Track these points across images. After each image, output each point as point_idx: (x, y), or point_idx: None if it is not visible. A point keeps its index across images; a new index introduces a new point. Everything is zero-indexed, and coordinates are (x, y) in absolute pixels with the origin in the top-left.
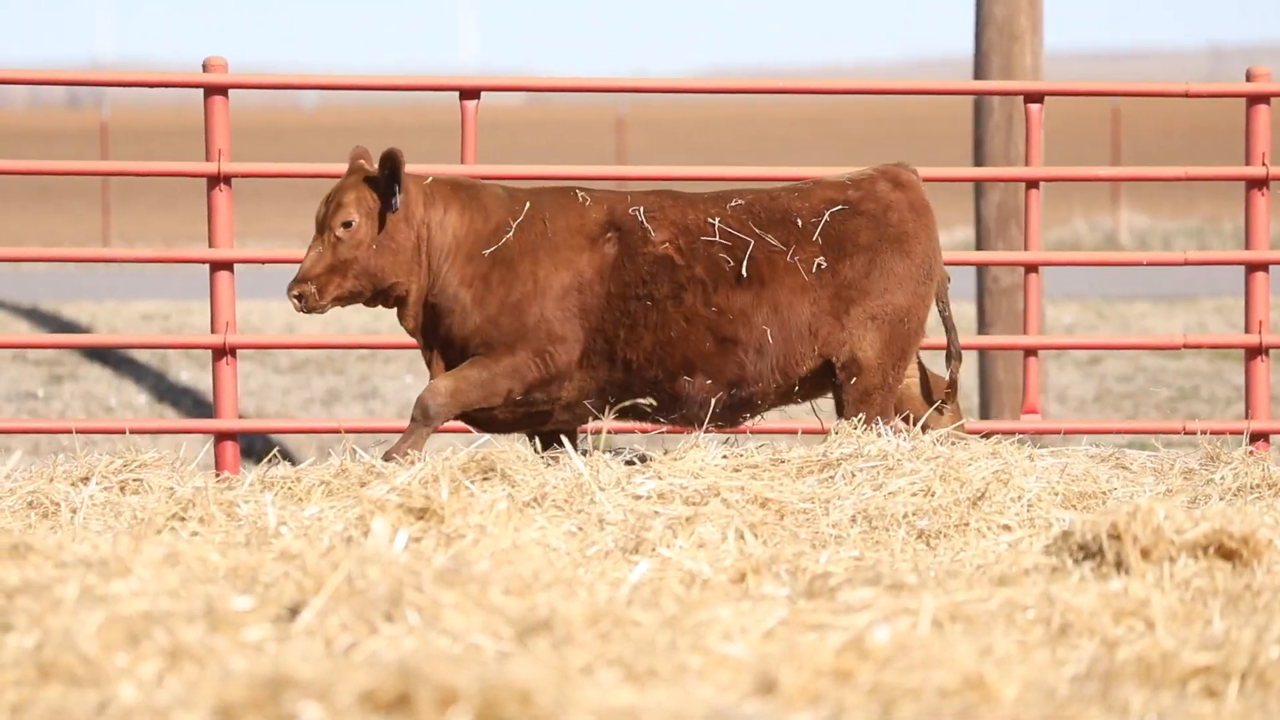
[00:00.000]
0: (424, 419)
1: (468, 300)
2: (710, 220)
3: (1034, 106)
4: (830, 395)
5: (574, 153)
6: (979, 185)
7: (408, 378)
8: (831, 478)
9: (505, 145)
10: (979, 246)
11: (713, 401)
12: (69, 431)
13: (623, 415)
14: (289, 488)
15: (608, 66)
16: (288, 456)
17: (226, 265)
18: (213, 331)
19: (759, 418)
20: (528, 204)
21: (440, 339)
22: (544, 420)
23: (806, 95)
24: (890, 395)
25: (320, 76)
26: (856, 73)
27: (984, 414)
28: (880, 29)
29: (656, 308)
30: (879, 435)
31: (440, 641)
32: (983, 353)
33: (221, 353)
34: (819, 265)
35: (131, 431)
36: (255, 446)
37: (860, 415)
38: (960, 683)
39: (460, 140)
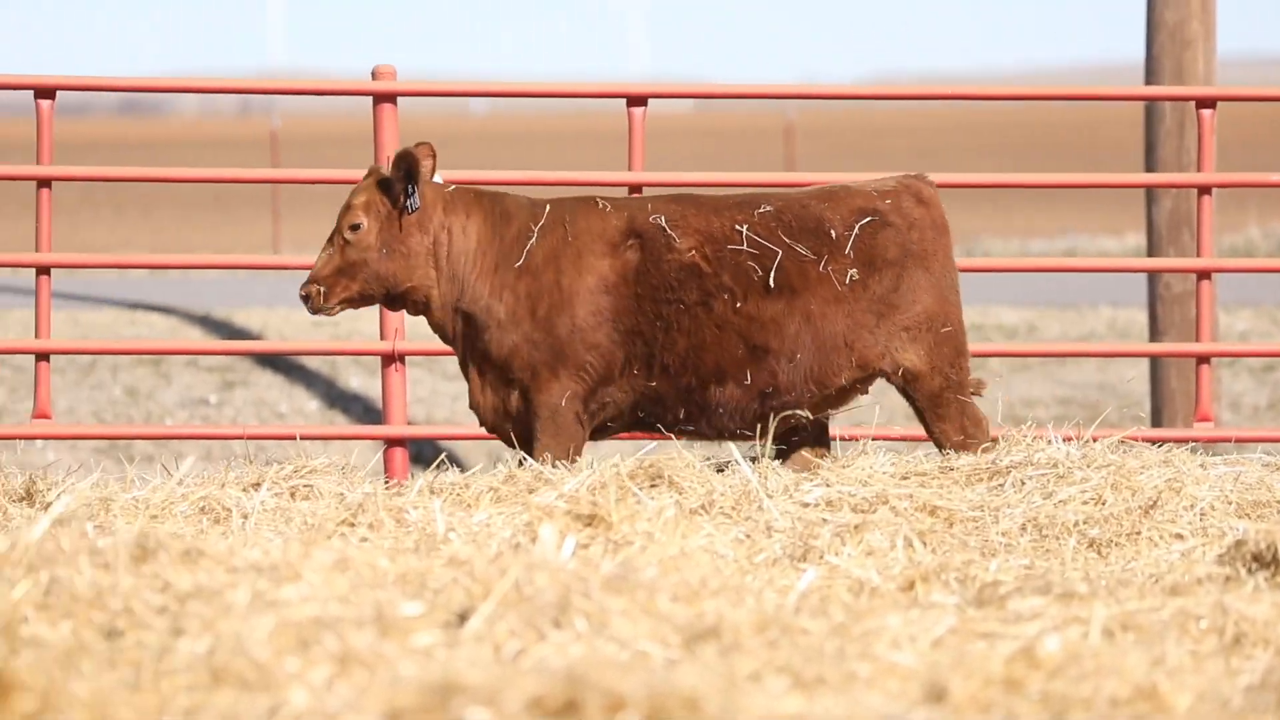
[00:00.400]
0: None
1: (501, 314)
2: (738, 228)
3: (1206, 112)
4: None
5: (742, 160)
6: (1150, 191)
7: None
8: (1001, 485)
9: (674, 153)
10: (1151, 253)
11: (743, 411)
12: (241, 438)
13: (643, 425)
14: (458, 494)
15: (776, 72)
16: (456, 463)
17: None
18: (382, 338)
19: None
20: (548, 209)
21: (479, 353)
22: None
23: (975, 101)
24: (961, 391)
25: (488, 84)
26: (1026, 79)
27: (1156, 422)
28: (1050, 34)
29: (687, 313)
30: (1048, 443)
31: (608, 648)
32: (1155, 360)
33: (391, 359)
34: (852, 277)
35: (302, 438)
36: (424, 453)
37: (940, 420)
38: (1132, 692)
39: (628, 148)
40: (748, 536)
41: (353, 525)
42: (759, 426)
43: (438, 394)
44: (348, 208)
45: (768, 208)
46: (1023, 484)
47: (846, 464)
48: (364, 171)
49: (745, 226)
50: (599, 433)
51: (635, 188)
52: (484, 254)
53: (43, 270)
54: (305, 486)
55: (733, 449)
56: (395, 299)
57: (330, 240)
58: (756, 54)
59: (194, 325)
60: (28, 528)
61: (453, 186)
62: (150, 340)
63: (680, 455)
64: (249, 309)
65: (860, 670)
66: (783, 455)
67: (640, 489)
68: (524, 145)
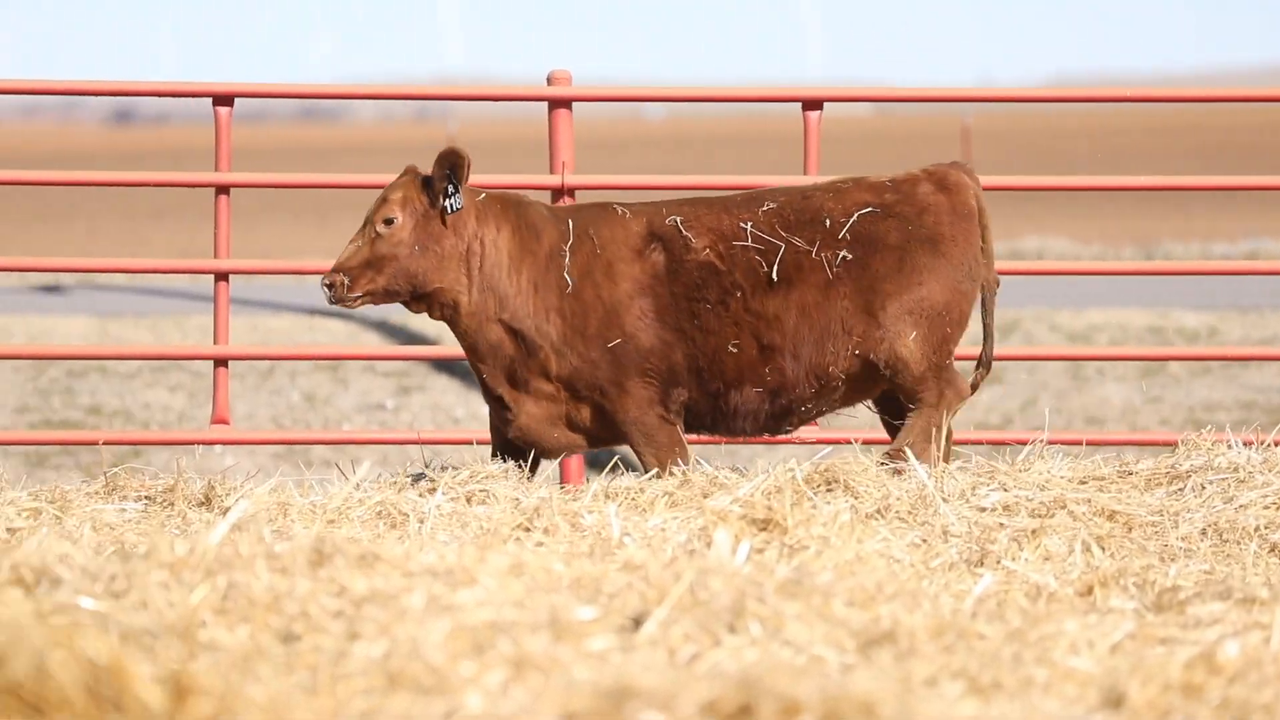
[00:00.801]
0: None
1: (554, 336)
2: (743, 225)
3: None
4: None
5: (920, 163)
6: None
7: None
8: (1180, 490)
9: (850, 157)
10: None
11: (757, 412)
12: (417, 442)
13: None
14: (632, 498)
15: (954, 75)
16: (631, 468)
17: None
18: None
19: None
20: (571, 223)
21: (533, 369)
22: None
23: (1155, 103)
24: (944, 372)
25: (663, 89)
26: (1207, 80)
27: None
28: (1232, 35)
29: (712, 313)
30: (1229, 447)
31: (782, 653)
32: None
33: None
34: (843, 258)
35: (478, 443)
36: (599, 458)
37: (924, 390)
38: None
39: (803, 152)
40: (924, 541)
41: (528, 530)
42: (773, 426)
43: None
44: (383, 201)
45: (771, 204)
46: (1203, 489)
47: (1024, 468)
48: (540, 176)
49: (749, 223)
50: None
51: None
52: (518, 270)
53: (221, 276)
54: (481, 491)
55: (908, 454)
56: (420, 299)
57: (360, 232)
58: (934, 56)
59: (371, 330)
60: (206, 532)
61: (484, 194)
62: (328, 345)
63: (856, 459)
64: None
65: (1037, 675)
66: None
67: (815, 493)
68: (700, 150)
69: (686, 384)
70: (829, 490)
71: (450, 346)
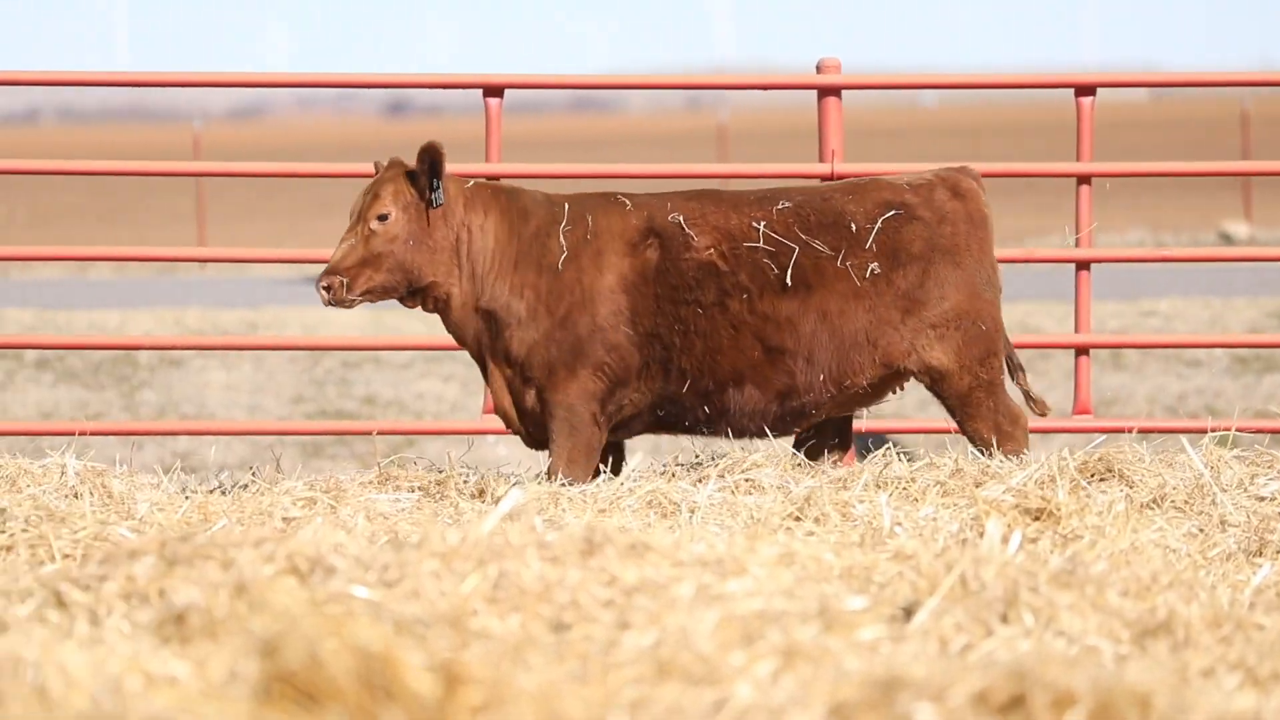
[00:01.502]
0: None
1: (522, 312)
2: (755, 225)
3: None
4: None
5: (1195, 150)
6: None
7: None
8: None
9: (1127, 142)
10: None
11: (763, 413)
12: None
13: (664, 426)
14: (904, 488)
15: (1233, 59)
16: (902, 456)
17: None
18: None
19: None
20: (566, 206)
21: (499, 352)
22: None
23: None
24: (995, 389)
25: (932, 75)
26: None
27: None
28: None
29: (705, 315)
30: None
31: (1055, 643)
32: None
33: None
34: (872, 271)
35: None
36: (871, 446)
37: (972, 419)
38: None
39: (1076, 138)
40: (1200, 531)
41: (798, 519)
42: (782, 427)
43: None
44: (375, 197)
45: (787, 203)
46: None
47: None
48: (809, 164)
49: (763, 223)
50: (618, 430)
51: (1084, 178)
52: (503, 252)
53: None
54: (749, 481)
55: (1185, 444)
56: (415, 293)
57: (351, 230)
58: (1213, 39)
59: None
60: (478, 522)
61: (471, 182)
62: None
63: (1131, 448)
64: None
65: None
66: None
67: (1089, 482)
68: (973, 137)
69: (638, 388)
70: (1103, 480)
71: None
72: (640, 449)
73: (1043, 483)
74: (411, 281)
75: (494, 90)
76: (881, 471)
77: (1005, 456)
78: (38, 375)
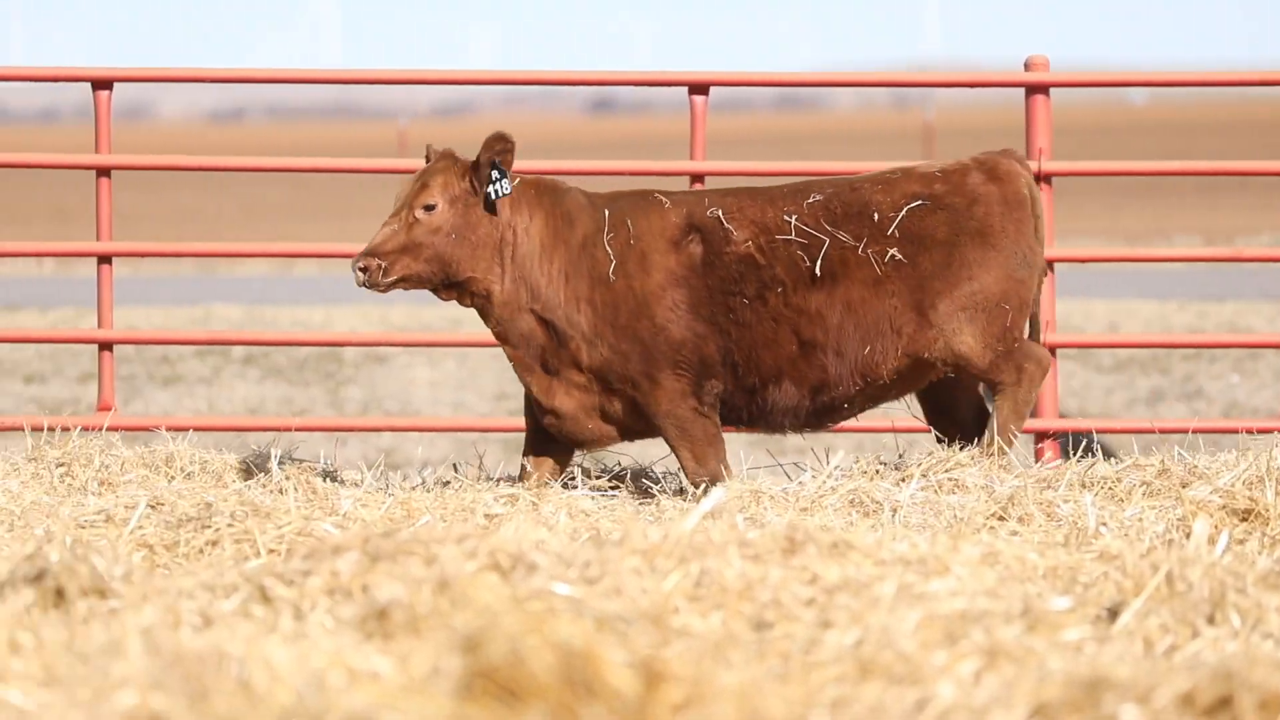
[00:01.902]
0: (714, 485)
1: (584, 327)
2: (787, 218)
3: None
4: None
5: None
6: None
7: (1234, 377)
8: None
9: None
10: None
11: (796, 409)
12: (890, 430)
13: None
14: (1109, 488)
15: None
16: (1108, 456)
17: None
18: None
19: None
20: (607, 211)
21: (564, 360)
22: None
23: None
24: (1012, 352)
25: (1142, 73)
26: None
27: None
28: None
29: (750, 308)
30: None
31: (1263, 645)
32: None
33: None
34: (892, 257)
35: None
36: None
37: (1000, 372)
38: None
39: None
40: None
41: (1002, 519)
42: (815, 423)
43: (1090, 386)
44: (423, 186)
45: (818, 196)
46: None
47: None
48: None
49: (794, 216)
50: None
51: None
52: (550, 260)
53: (104, 259)
54: (952, 480)
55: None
56: (451, 287)
57: (394, 216)
58: None
59: None
60: (680, 520)
61: (518, 179)
62: None
63: None
64: None
65: None
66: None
67: None
68: (1185, 135)
69: (721, 376)
70: None
71: None
72: (842, 447)
73: (1251, 483)
74: (449, 275)
75: (699, 88)
76: (1087, 471)
77: (1019, 394)
78: (244, 371)
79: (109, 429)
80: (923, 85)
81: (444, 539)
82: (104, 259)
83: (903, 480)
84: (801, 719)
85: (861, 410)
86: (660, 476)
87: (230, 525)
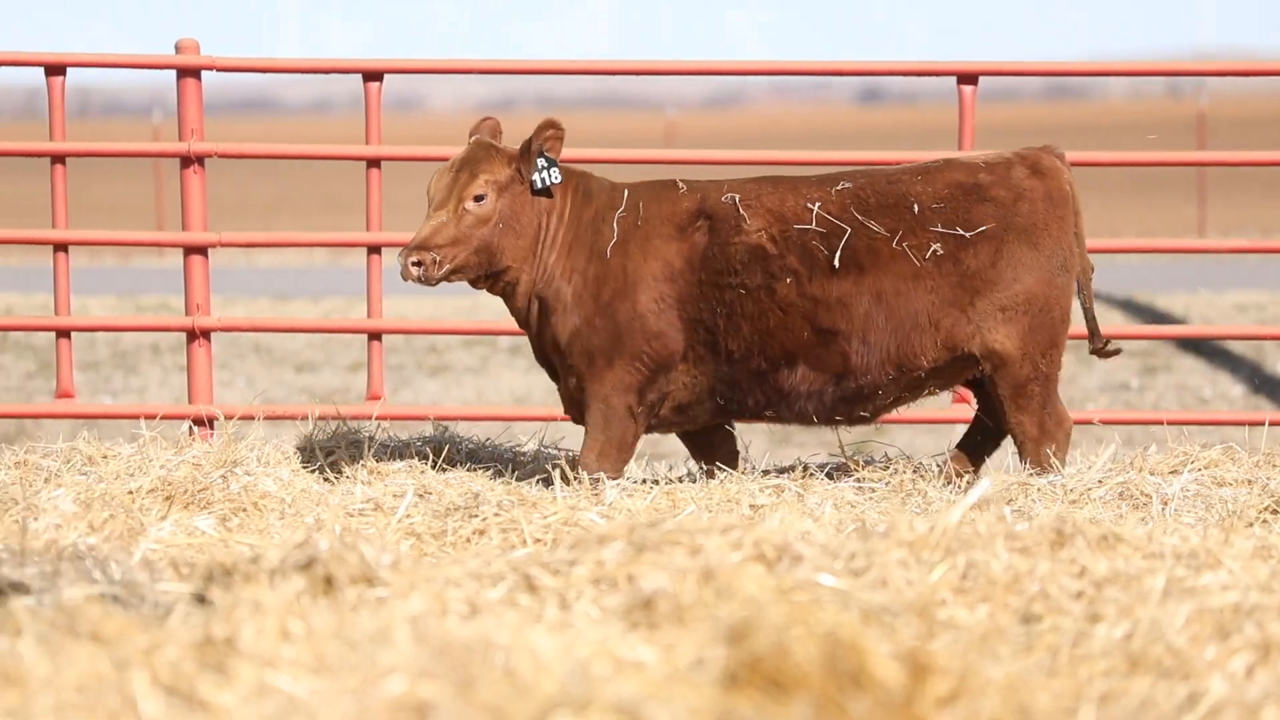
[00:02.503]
0: (599, 481)
1: (568, 296)
2: (809, 206)
3: None
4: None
5: None
6: None
7: None
8: None
9: None
10: None
11: (820, 395)
12: (1160, 423)
13: (724, 412)
14: None
15: None
16: None
17: None
18: None
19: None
20: (626, 194)
21: (548, 338)
22: (676, 422)
23: None
24: (1050, 385)
25: None
26: None
27: None
28: None
29: (750, 297)
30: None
31: None
32: None
33: None
34: (934, 252)
35: (1223, 424)
36: None
37: (1021, 411)
38: None
39: None
40: None
41: (1275, 512)
42: (844, 410)
43: None
44: (472, 176)
45: (847, 184)
46: None
47: None
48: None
49: (817, 205)
50: (675, 421)
51: None
52: (563, 237)
53: (373, 250)
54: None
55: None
56: (488, 276)
57: (439, 208)
58: None
59: (1115, 309)
60: (946, 511)
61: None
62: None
63: None
64: (1171, 293)
65: None
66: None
67: None
68: None
69: (682, 377)
70: None
71: (1199, 326)
72: (1114, 440)
73: None
74: (492, 265)
75: (968, 78)
76: None
77: (1041, 458)
78: (511, 361)
79: (378, 418)
80: (1196, 74)
81: (709, 529)
82: (373, 249)
83: (1173, 473)
84: (1069, 713)
85: (900, 401)
86: (927, 467)
87: (497, 515)
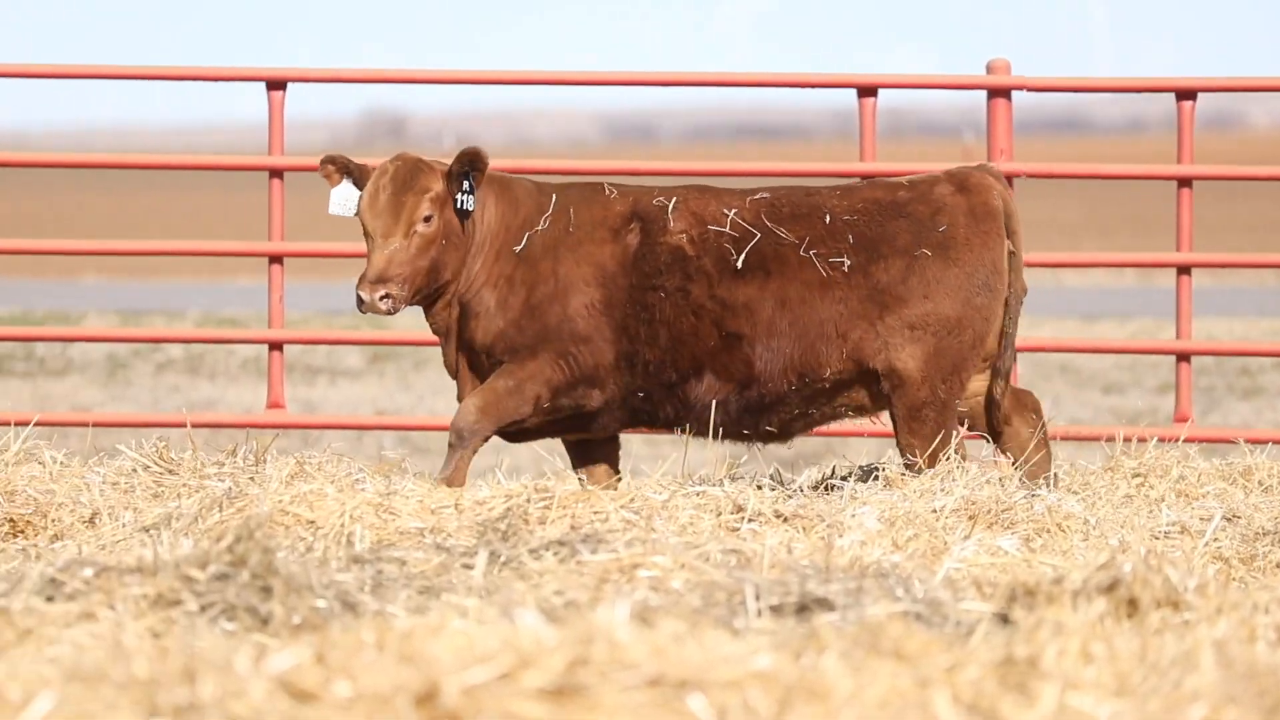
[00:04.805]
0: (460, 442)
1: (492, 302)
2: (725, 212)
3: None
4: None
5: None
6: None
7: None
8: None
9: None
10: None
11: (724, 405)
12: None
13: (634, 424)
14: None
15: None
16: None
17: None
18: None
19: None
20: (554, 197)
21: (465, 342)
22: (575, 428)
23: None
24: (947, 413)
25: None
26: None
27: None
28: None
29: (669, 300)
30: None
31: None
32: None
33: None
34: (843, 264)
35: None
36: None
37: (913, 435)
38: None
39: None
40: None
41: None
42: (749, 421)
43: None
44: (418, 197)
45: (765, 194)
46: None
47: None
48: None
49: (734, 210)
50: (587, 423)
51: None
52: (490, 242)
53: (1183, 270)
54: None
55: None
56: (430, 293)
57: (388, 235)
58: None
59: None
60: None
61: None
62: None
63: None
64: None
65: None
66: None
67: None
68: None
69: (605, 386)
70: None
71: None
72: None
73: None
74: (438, 280)
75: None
76: None
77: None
78: None
79: (1186, 440)
80: None
81: None
82: (1183, 269)
83: None
84: None
85: (809, 419)
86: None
87: None
